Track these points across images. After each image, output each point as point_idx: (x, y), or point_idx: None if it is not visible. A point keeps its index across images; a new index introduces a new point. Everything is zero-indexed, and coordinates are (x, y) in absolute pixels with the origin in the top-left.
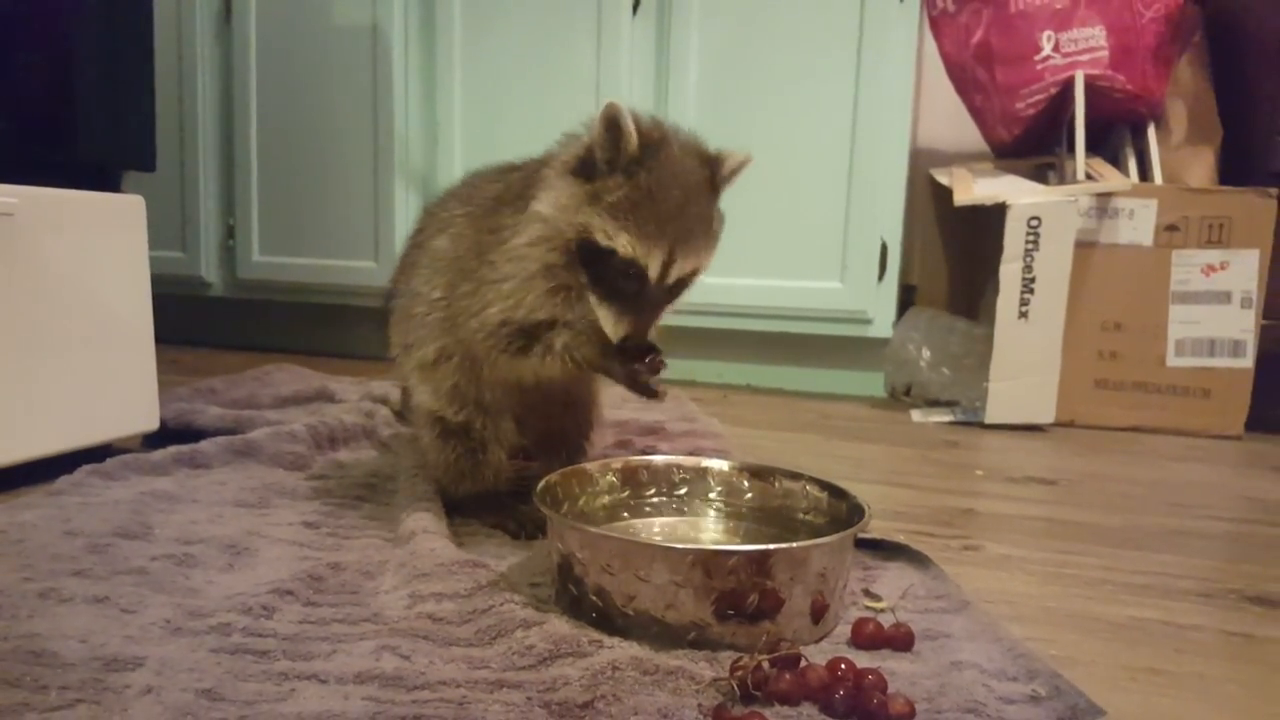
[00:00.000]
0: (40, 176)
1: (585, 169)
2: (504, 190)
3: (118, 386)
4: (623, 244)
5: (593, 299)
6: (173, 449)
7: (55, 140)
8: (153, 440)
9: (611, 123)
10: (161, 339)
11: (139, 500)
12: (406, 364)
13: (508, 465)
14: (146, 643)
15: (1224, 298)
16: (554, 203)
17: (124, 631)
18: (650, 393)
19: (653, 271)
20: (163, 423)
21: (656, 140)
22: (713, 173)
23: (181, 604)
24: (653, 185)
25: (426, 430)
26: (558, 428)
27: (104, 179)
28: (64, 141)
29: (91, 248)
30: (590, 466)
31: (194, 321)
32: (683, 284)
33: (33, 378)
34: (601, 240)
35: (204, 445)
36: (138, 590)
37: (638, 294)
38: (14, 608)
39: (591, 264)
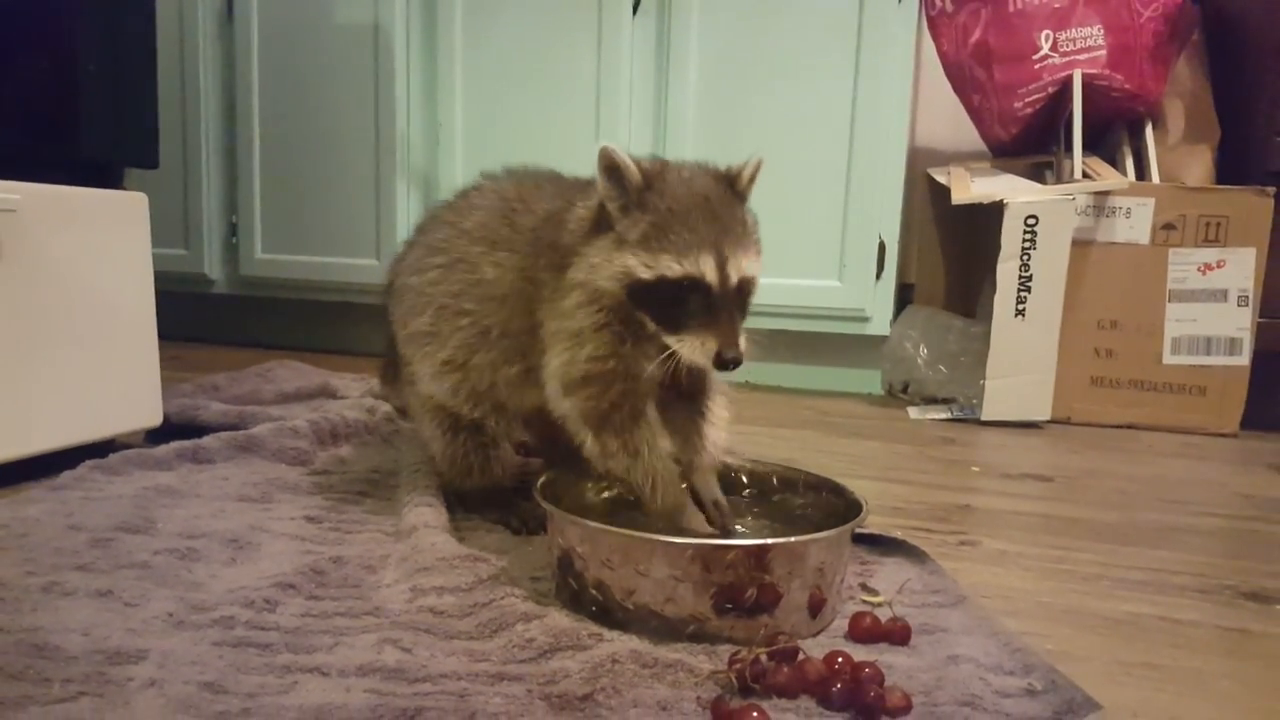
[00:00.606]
0: (44, 174)
1: (603, 224)
2: (541, 225)
3: (121, 382)
4: (667, 265)
5: (671, 340)
6: (175, 444)
7: (59, 138)
8: (156, 435)
9: (610, 165)
10: (165, 335)
11: (142, 495)
12: (420, 353)
13: (513, 461)
14: (149, 636)
15: (1220, 296)
16: (588, 267)
17: (126, 625)
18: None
19: (710, 276)
20: (166, 418)
21: (658, 168)
22: (730, 181)
23: (184, 598)
24: (670, 203)
25: (432, 424)
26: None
27: (107, 176)
28: (67, 139)
29: (95, 244)
30: None
31: (197, 318)
32: (747, 288)
33: (36, 374)
34: (647, 275)
35: (207, 440)
36: (140, 584)
37: (709, 307)
38: (17, 602)
39: (653, 306)
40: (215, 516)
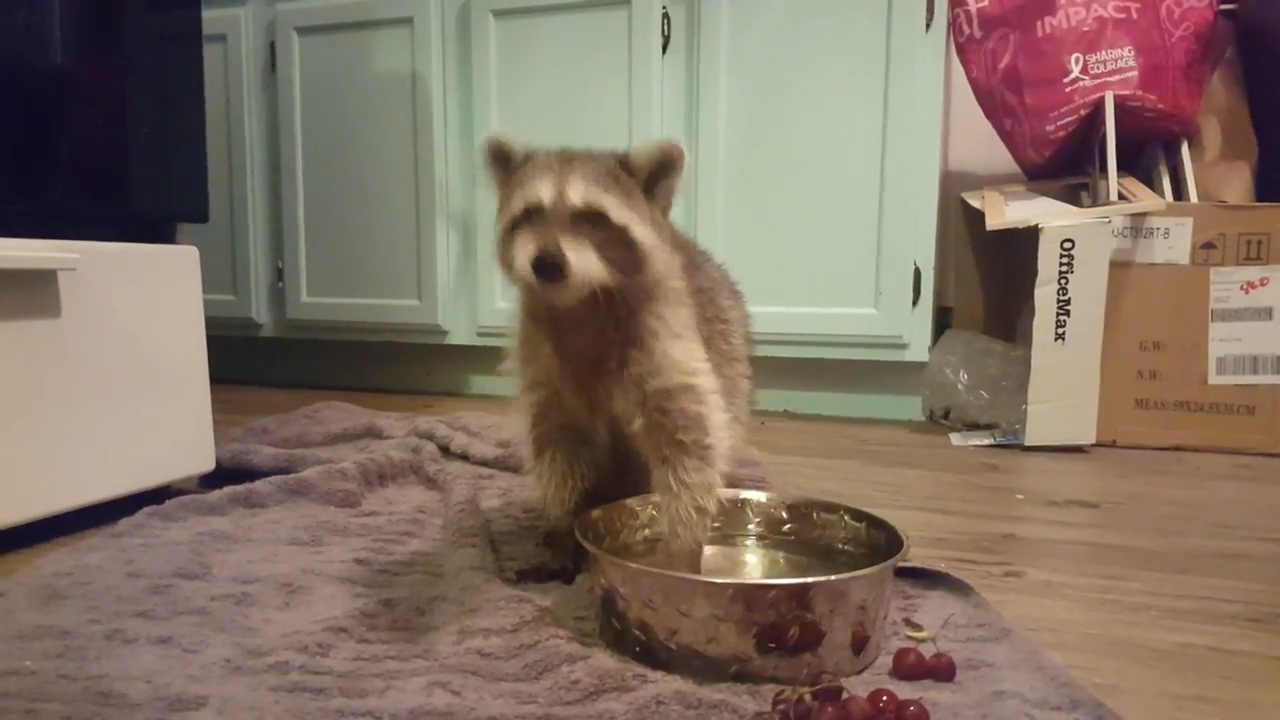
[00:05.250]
0: (100, 231)
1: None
2: None
3: (175, 429)
4: (515, 199)
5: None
6: (228, 489)
7: (113, 197)
8: (209, 480)
9: (496, 149)
10: (215, 379)
11: (197, 541)
12: None
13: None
14: (208, 682)
15: (1265, 314)
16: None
17: (186, 671)
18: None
19: (545, 194)
20: (218, 463)
21: (540, 150)
22: (620, 160)
23: (241, 643)
24: (532, 165)
25: None
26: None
27: (159, 231)
28: (122, 198)
29: (148, 298)
30: (631, 501)
31: (246, 361)
32: (593, 210)
33: (96, 424)
34: (504, 218)
35: (259, 485)
36: (199, 630)
37: (543, 223)
38: (82, 650)
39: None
40: (268, 561)
